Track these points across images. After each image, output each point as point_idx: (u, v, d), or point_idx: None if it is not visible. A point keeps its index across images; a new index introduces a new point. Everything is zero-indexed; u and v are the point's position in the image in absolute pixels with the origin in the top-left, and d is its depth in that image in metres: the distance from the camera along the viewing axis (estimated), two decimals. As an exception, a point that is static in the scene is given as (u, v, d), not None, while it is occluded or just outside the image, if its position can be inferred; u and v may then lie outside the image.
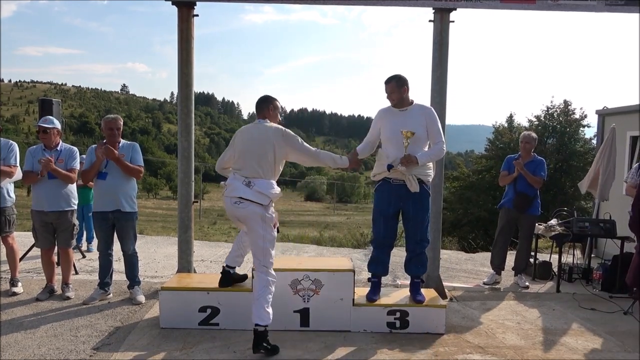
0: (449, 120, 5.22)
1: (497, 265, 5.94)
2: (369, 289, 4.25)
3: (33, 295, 4.84)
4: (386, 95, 4.12)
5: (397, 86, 4.05)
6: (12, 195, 5.00)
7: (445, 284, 5.35)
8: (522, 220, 5.84)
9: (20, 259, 5.84)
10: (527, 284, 5.79)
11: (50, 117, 5.05)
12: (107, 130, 4.75)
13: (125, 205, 4.71)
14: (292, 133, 3.71)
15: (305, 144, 3.76)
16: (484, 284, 5.82)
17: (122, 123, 4.86)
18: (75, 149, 4.98)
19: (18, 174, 4.99)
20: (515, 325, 4.40)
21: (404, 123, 4.01)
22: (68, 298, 4.78)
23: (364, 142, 4.29)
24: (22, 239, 6.42)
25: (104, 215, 4.70)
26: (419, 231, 4.12)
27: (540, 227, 5.98)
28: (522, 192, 5.72)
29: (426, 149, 4.09)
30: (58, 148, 4.83)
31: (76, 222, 4.97)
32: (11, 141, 4.94)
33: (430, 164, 4.13)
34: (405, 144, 3.92)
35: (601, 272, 5.78)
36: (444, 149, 4.14)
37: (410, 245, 4.19)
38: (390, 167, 3.96)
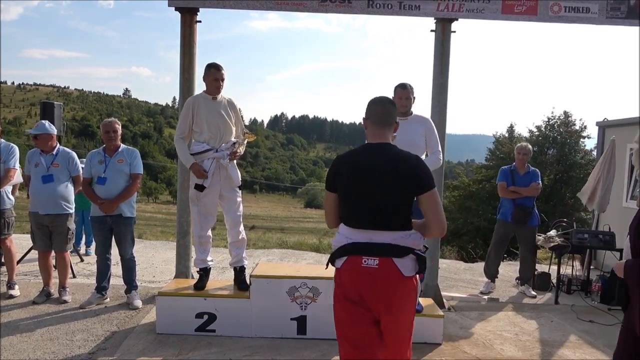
0: (449, 130, 5.24)
1: (492, 274, 6.03)
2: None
3: (30, 298, 4.83)
4: (400, 100, 4.11)
5: (411, 93, 4.13)
6: (11, 197, 5.00)
7: (443, 293, 5.33)
8: (523, 232, 5.87)
9: (18, 262, 5.84)
10: (534, 293, 5.80)
11: (43, 122, 4.99)
12: (104, 134, 4.78)
13: (125, 210, 4.71)
14: None
15: None
16: (481, 292, 5.85)
17: (119, 126, 4.85)
18: (74, 154, 4.94)
19: (18, 177, 5.00)
20: (513, 336, 4.38)
21: (404, 132, 4.01)
22: (65, 302, 4.77)
23: None
24: (21, 242, 6.41)
25: (102, 220, 4.70)
26: None
27: (539, 238, 5.98)
28: (521, 204, 5.78)
29: (423, 157, 4.12)
30: (54, 152, 4.83)
31: (72, 226, 4.91)
32: (12, 144, 4.97)
33: None
34: None
35: (600, 284, 5.76)
36: (441, 158, 4.19)
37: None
38: None
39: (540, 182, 5.90)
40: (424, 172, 2.36)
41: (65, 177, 4.81)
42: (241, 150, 4.32)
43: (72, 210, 4.90)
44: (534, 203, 5.88)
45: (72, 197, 4.91)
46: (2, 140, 4.92)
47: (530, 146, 6.10)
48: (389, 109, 2.51)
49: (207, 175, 4.11)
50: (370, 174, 2.35)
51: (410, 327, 2.40)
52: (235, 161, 4.31)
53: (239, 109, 4.39)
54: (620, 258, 5.55)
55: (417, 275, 2.39)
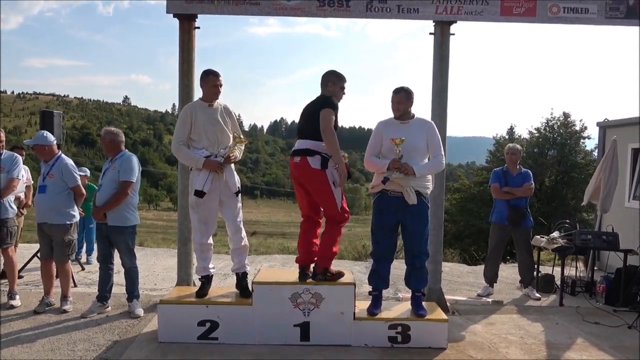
0: (449, 132, 5.22)
1: (491, 278, 6.00)
2: (369, 302, 4.20)
3: (31, 309, 4.79)
4: (392, 104, 4.12)
5: (405, 98, 4.08)
6: (14, 206, 5.00)
7: (447, 297, 5.30)
8: (518, 233, 5.86)
9: (22, 269, 5.84)
10: (538, 295, 5.78)
11: (38, 132, 4.98)
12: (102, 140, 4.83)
13: (115, 218, 4.65)
14: None
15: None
16: (478, 295, 5.83)
17: (113, 135, 4.75)
18: (69, 165, 4.81)
19: (20, 187, 5.01)
20: (519, 339, 4.35)
21: (405, 135, 4.00)
22: (65, 311, 4.73)
23: (377, 158, 4.12)
24: (22, 251, 6.38)
25: (99, 227, 4.74)
26: (418, 244, 4.09)
27: (542, 240, 5.96)
28: (515, 205, 5.79)
29: (426, 161, 4.09)
30: (50, 162, 4.79)
31: (70, 237, 4.79)
32: (16, 154, 4.99)
33: (429, 177, 4.12)
34: (396, 150, 3.91)
35: (604, 285, 5.74)
36: (443, 162, 4.14)
37: (410, 259, 4.15)
38: (386, 179, 3.93)
39: (532, 182, 5.89)
40: (325, 100, 4.02)
41: (60, 187, 4.73)
42: (237, 154, 4.25)
43: (71, 222, 4.79)
44: (527, 205, 5.89)
45: (71, 208, 4.80)
46: (6, 150, 4.94)
47: (518, 146, 6.11)
48: (324, 78, 4.17)
49: (222, 169, 4.10)
50: (305, 108, 4.14)
51: (330, 195, 3.95)
52: (233, 166, 4.28)
53: (238, 114, 4.39)
54: (624, 258, 5.53)
55: (325, 170, 3.93)
